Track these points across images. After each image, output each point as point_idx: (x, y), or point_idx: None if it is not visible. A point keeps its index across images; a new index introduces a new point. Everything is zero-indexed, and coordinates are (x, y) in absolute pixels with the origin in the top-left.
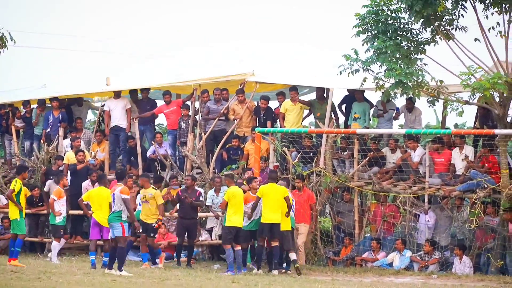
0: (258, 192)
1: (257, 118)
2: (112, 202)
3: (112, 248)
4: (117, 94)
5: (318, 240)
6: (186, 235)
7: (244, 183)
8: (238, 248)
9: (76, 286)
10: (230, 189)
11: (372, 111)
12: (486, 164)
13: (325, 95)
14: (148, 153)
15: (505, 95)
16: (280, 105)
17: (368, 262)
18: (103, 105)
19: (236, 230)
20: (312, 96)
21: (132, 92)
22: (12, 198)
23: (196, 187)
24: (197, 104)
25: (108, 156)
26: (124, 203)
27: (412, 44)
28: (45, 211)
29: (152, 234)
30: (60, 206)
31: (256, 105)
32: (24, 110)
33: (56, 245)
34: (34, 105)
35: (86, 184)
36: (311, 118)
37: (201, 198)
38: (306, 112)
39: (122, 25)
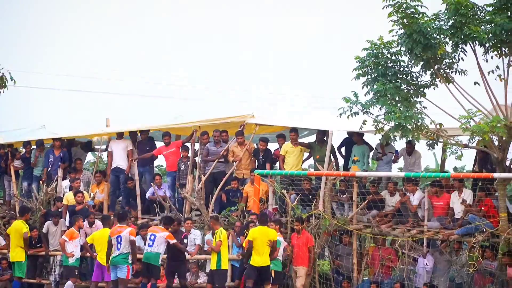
0: (249, 236)
1: (256, 160)
2: (118, 244)
3: None
4: (119, 135)
5: (316, 283)
6: (175, 276)
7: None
8: None
9: None
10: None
11: (371, 154)
12: (484, 208)
13: (325, 137)
14: (147, 195)
15: (504, 138)
16: (280, 147)
17: None
18: (107, 146)
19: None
20: (312, 138)
21: (132, 133)
22: (27, 241)
23: (182, 229)
24: (197, 146)
25: (107, 197)
26: (131, 245)
27: (411, 87)
28: (43, 253)
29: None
30: (73, 247)
31: (256, 147)
32: (24, 151)
33: (70, 285)
34: (34, 146)
35: (84, 226)
36: (311, 160)
37: (185, 241)
38: (306, 154)
39: (123, 65)
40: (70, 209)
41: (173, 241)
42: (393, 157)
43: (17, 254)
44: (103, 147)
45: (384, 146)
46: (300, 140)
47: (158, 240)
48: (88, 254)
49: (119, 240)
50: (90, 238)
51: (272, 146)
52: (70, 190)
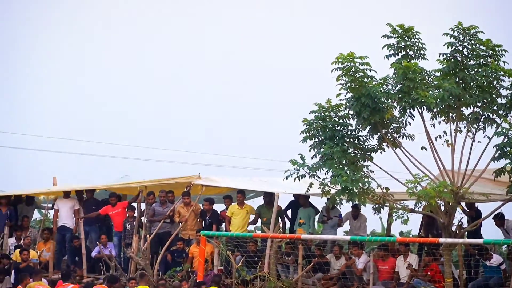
0: None
1: (203, 221)
2: None
3: None
4: (66, 194)
5: None
6: None
7: None
8: None
9: None
10: None
11: (317, 217)
12: (429, 273)
13: (273, 200)
14: (93, 253)
15: (450, 204)
16: (227, 208)
17: None
18: (53, 204)
19: None
20: (260, 200)
21: (78, 192)
22: None
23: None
24: (143, 206)
25: (53, 256)
26: None
27: (359, 150)
28: None
29: None
30: None
31: (202, 208)
32: None
33: None
34: None
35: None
36: (258, 222)
37: None
38: (252, 216)
39: (70, 123)
40: (15, 266)
41: None
42: (337, 221)
43: None
44: (50, 205)
45: (329, 210)
46: (247, 202)
47: None
48: None
49: None
50: None
51: (219, 207)
52: (16, 248)
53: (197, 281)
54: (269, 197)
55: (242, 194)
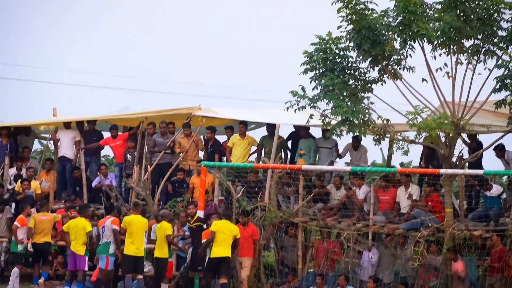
0: (212, 227)
1: (205, 150)
2: (103, 234)
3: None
4: (67, 125)
5: (261, 274)
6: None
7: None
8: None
9: None
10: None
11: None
12: (430, 203)
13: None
14: (94, 184)
15: (450, 135)
16: (228, 138)
17: None
18: (52, 136)
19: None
20: (261, 132)
21: (79, 123)
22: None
23: None
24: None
25: (53, 186)
26: (113, 234)
27: (359, 82)
28: None
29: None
30: (22, 235)
31: (203, 138)
32: None
33: (16, 272)
34: None
35: (31, 211)
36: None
37: None
38: (254, 148)
39: (69, 55)
40: (14, 196)
41: (114, 226)
42: (333, 151)
43: None
44: (49, 135)
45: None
46: (248, 133)
47: (107, 229)
48: (57, 243)
49: (103, 230)
50: (66, 227)
51: (221, 139)
52: (16, 179)
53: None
54: (272, 128)
55: (244, 125)
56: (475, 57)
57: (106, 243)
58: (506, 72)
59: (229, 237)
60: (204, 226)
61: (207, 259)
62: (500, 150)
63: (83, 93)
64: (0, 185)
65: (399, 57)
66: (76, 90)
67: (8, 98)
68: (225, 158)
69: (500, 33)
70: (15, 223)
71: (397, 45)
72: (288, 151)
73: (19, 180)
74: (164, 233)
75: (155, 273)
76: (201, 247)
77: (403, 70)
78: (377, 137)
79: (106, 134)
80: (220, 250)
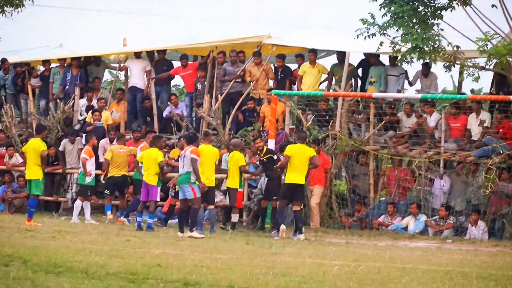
0: (286, 151)
1: (275, 78)
2: (183, 163)
3: (180, 210)
4: (137, 55)
5: (333, 203)
6: None
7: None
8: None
9: (90, 246)
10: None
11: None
12: (502, 130)
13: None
14: (164, 113)
15: None
16: (299, 67)
17: (383, 226)
18: (121, 67)
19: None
20: (333, 59)
21: (149, 53)
22: (45, 159)
23: None
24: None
25: (124, 116)
26: (192, 163)
27: (429, 9)
28: (60, 170)
29: None
30: (90, 166)
31: (273, 67)
32: (43, 68)
33: (79, 205)
34: (54, 64)
35: (104, 142)
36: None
37: None
38: (324, 76)
39: None
40: (85, 127)
41: (193, 156)
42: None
43: (34, 172)
44: (120, 64)
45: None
46: (318, 61)
47: (186, 159)
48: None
49: (183, 159)
50: (140, 157)
51: (293, 67)
52: (87, 109)
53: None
54: (342, 56)
55: (314, 53)
56: None
57: (187, 173)
58: None
59: (304, 162)
60: (275, 157)
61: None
62: None
63: (153, 22)
64: (69, 118)
65: None
66: (146, 20)
67: (78, 28)
68: (295, 87)
69: None
70: (84, 155)
71: None
72: (358, 79)
73: (90, 111)
74: (236, 163)
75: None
76: (275, 169)
77: None
78: (447, 64)
79: (176, 64)
80: (295, 176)
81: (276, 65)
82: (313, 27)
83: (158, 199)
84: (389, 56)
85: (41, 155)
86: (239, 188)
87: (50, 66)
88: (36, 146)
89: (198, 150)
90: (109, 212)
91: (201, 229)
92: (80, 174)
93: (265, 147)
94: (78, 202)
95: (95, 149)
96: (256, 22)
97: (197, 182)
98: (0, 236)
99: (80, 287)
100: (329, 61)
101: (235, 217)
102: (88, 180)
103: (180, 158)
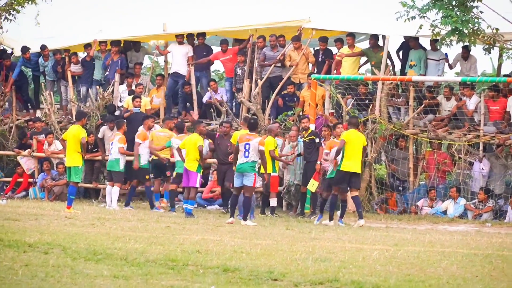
0: (343, 135)
1: (316, 60)
2: (246, 151)
3: (234, 196)
4: (179, 40)
5: (372, 187)
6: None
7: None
8: None
9: (130, 232)
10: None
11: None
12: None
13: (379, 43)
14: (204, 99)
15: None
16: (338, 51)
17: (422, 209)
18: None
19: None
20: (367, 44)
21: (189, 38)
22: (85, 146)
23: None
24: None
25: (164, 102)
26: (261, 155)
27: None
28: (99, 157)
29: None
30: (144, 148)
31: (313, 51)
32: (86, 54)
33: (116, 192)
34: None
35: (142, 128)
36: (368, 65)
37: None
38: (363, 59)
39: None
40: (123, 113)
41: (262, 147)
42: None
43: (74, 159)
44: (159, 50)
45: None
46: (357, 45)
47: (253, 148)
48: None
49: (246, 148)
50: (182, 144)
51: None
52: (127, 95)
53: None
54: (375, 40)
55: (352, 37)
56: None
57: (253, 162)
58: None
59: (359, 148)
60: (317, 140)
61: (336, 172)
62: None
63: (192, 4)
64: (112, 105)
65: None
66: (184, 3)
67: (117, 13)
68: (335, 71)
69: None
70: (119, 144)
71: None
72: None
73: (131, 97)
74: (267, 148)
75: (264, 188)
76: (332, 156)
77: None
78: (487, 46)
79: (216, 49)
80: (351, 164)
81: (319, 48)
82: (351, 12)
83: (198, 186)
84: (430, 40)
85: (80, 142)
86: (273, 173)
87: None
88: (76, 133)
89: (264, 141)
90: (162, 200)
91: (252, 215)
92: (113, 161)
93: (310, 129)
94: (115, 188)
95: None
96: (295, 5)
97: (263, 171)
98: (39, 224)
99: (120, 274)
100: (366, 45)
101: (273, 201)
102: (121, 167)
103: (241, 143)
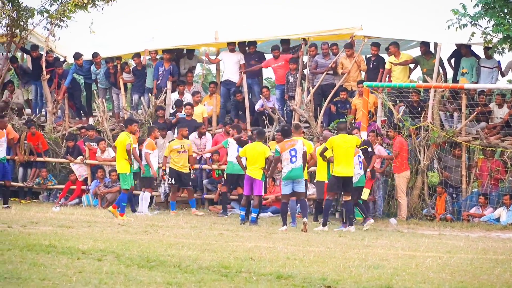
0: (327, 142)
1: (368, 66)
2: (293, 157)
3: (283, 204)
4: (231, 48)
5: (425, 195)
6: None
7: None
8: None
9: (183, 239)
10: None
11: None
12: None
13: (431, 50)
14: (256, 107)
15: None
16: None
17: (475, 217)
18: (217, 55)
19: None
20: (417, 51)
21: (241, 45)
22: (133, 153)
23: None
24: (305, 58)
25: (216, 110)
26: (302, 156)
27: None
28: None
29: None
30: (153, 158)
31: (364, 59)
32: (134, 64)
33: (148, 196)
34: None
35: (192, 137)
36: (419, 72)
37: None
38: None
39: None
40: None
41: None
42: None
43: (122, 166)
44: (212, 57)
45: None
46: (406, 52)
47: (300, 152)
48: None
49: (292, 154)
50: (242, 152)
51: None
52: (176, 104)
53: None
54: (427, 47)
55: (395, 45)
56: None
57: (302, 166)
58: None
59: (349, 152)
60: (369, 149)
61: (329, 178)
62: None
63: (243, 11)
64: (161, 108)
65: None
66: (236, 10)
67: (170, 20)
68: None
69: None
70: (146, 150)
71: None
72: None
73: (184, 104)
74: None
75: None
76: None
77: None
78: None
79: (267, 56)
80: (342, 169)
81: (371, 52)
82: (403, 18)
83: (263, 194)
84: (484, 48)
85: (126, 149)
86: (327, 180)
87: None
88: (123, 140)
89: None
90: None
91: (293, 222)
92: (145, 166)
93: (362, 138)
94: (147, 194)
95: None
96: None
97: (318, 178)
98: (92, 231)
99: (173, 281)
100: (416, 52)
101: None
102: (152, 172)
103: (284, 151)
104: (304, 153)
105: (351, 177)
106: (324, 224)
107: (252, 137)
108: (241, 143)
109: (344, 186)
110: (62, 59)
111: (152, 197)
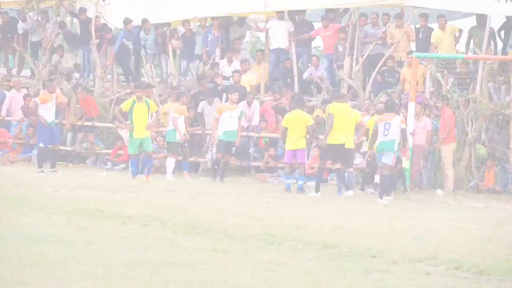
0: (329, 109)
1: (416, 38)
2: (386, 130)
3: (384, 176)
4: (280, 16)
5: (472, 167)
6: None
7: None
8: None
9: (229, 207)
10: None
11: None
12: None
13: (481, 22)
14: (305, 75)
15: None
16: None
17: None
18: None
19: None
20: (467, 21)
21: (290, 14)
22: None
23: None
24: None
25: (264, 78)
26: (402, 133)
27: None
28: (199, 131)
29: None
30: (180, 123)
31: (414, 29)
32: (184, 30)
33: (171, 162)
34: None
35: (241, 105)
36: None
37: None
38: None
39: None
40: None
41: (403, 125)
42: None
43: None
44: (260, 24)
45: None
46: (454, 22)
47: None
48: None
49: (387, 127)
50: (285, 121)
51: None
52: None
53: None
54: (481, 19)
55: (443, 17)
56: None
57: (392, 141)
58: None
59: (347, 121)
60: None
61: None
62: None
63: None
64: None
65: None
66: None
67: None
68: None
69: None
70: (174, 114)
71: None
72: (498, 41)
73: (232, 71)
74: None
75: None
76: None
77: None
78: None
79: (316, 25)
80: (336, 136)
81: (420, 24)
82: None
83: (306, 161)
84: None
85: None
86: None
87: (191, 27)
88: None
89: (404, 120)
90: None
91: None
92: (169, 131)
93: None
94: (170, 159)
95: None
96: None
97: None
98: (139, 196)
99: (219, 248)
100: (470, 23)
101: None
102: (178, 137)
103: (378, 123)
104: (403, 130)
105: (343, 145)
106: (316, 190)
107: (291, 105)
108: (279, 110)
109: (336, 154)
110: (111, 26)
111: (198, 164)
